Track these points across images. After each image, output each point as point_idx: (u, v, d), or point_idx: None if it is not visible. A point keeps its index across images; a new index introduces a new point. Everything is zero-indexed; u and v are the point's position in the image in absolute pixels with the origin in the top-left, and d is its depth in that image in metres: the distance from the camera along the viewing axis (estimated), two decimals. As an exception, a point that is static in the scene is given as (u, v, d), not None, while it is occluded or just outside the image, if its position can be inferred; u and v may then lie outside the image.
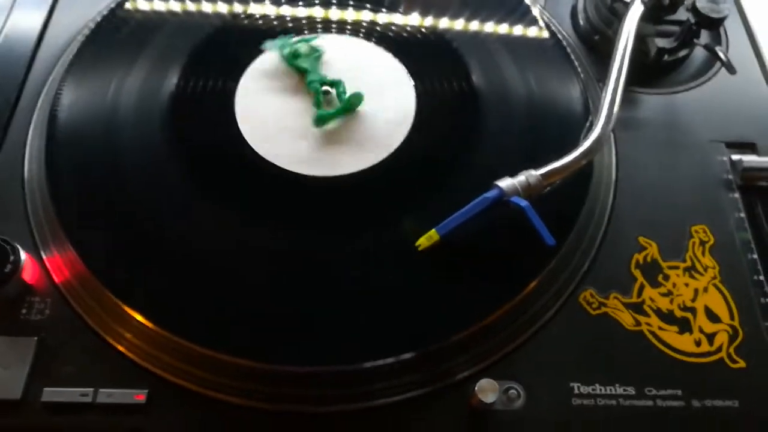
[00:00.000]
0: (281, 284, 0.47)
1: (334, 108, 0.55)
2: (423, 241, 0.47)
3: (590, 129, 0.51)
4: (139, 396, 0.44)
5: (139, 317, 0.45)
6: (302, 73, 0.57)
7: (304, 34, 0.60)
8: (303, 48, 0.58)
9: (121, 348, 0.46)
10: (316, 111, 0.55)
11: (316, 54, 0.58)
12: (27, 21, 0.63)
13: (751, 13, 0.66)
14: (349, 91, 0.56)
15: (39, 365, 0.45)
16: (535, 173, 0.47)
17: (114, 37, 0.59)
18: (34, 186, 0.52)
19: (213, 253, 0.48)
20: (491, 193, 0.47)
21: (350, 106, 0.55)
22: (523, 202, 0.46)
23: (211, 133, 0.54)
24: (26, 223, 0.51)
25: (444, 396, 0.45)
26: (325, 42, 0.60)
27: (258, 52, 0.59)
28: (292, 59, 0.57)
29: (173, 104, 0.55)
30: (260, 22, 0.62)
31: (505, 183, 0.47)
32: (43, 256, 0.49)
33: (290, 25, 0.62)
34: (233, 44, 0.60)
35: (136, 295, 0.46)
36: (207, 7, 0.62)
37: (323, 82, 0.56)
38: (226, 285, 0.47)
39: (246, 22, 0.62)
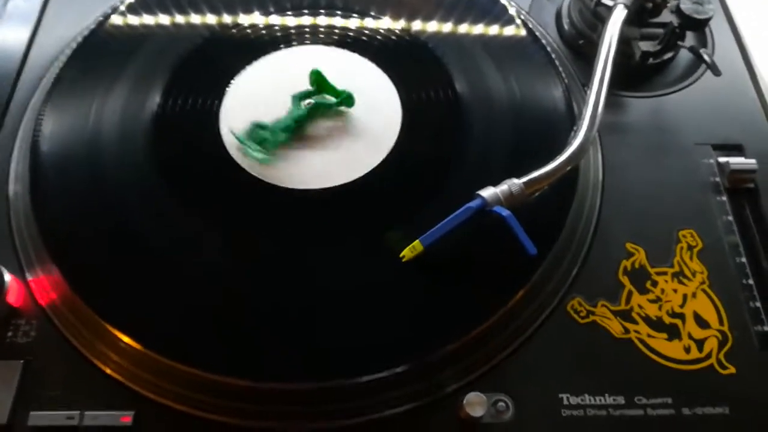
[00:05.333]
0: (269, 301, 0.47)
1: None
2: (407, 253, 0.47)
3: (575, 134, 0.51)
4: (126, 418, 0.44)
5: (124, 338, 0.45)
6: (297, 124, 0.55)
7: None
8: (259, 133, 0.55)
9: (107, 369, 0.46)
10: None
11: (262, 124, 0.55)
12: (11, 40, 0.63)
13: (737, 13, 0.65)
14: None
15: (25, 389, 0.45)
16: (517, 182, 0.47)
17: (97, 56, 0.59)
18: (18, 206, 0.52)
19: (199, 271, 0.48)
20: (474, 203, 0.46)
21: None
22: (505, 212, 0.45)
23: (196, 150, 0.54)
24: (11, 244, 0.51)
25: (434, 410, 0.45)
26: (308, 53, 0.60)
27: (241, 66, 0.59)
28: (271, 139, 0.54)
29: (156, 122, 0.55)
30: (244, 34, 0.62)
31: (487, 192, 0.47)
32: (28, 278, 0.49)
33: (271, 34, 0.61)
34: (216, 60, 0.59)
35: (121, 316, 0.46)
36: (188, 24, 0.62)
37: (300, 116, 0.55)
38: (213, 303, 0.47)
39: (229, 35, 0.61)
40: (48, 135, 0.53)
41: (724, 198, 0.54)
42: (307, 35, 0.62)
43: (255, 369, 0.44)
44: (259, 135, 0.54)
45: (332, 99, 0.56)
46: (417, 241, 0.47)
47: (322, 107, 0.56)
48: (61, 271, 0.47)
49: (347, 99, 0.56)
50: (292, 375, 0.44)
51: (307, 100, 0.56)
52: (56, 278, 0.48)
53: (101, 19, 0.62)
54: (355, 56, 0.60)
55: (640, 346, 0.48)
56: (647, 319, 0.49)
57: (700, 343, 0.48)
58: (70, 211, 0.50)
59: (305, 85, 0.57)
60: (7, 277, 0.47)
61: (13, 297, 0.47)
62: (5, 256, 0.50)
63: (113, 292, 0.47)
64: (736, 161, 0.55)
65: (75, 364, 0.46)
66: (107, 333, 0.45)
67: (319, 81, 0.56)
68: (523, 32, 0.61)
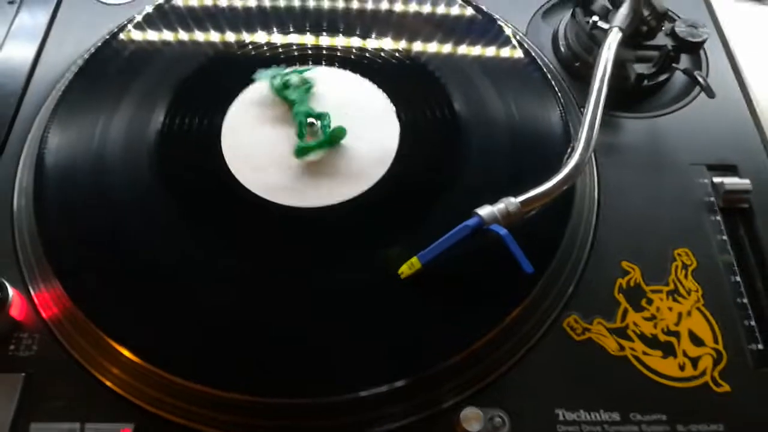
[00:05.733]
0: (269, 317, 0.48)
1: (316, 140, 0.56)
2: (405, 269, 0.48)
3: (571, 154, 0.52)
4: (125, 430, 0.44)
5: (125, 352, 0.45)
6: (290, 104, 0.58)
7: (297, 65, 0.61)
8: (294, 79, 0.59)
9: (107, 382, 0.46)
10: (298, 142, 0.55)
11: (306, 86, 0.59)
12: (17, 57, 0.64)
13: (731, 36, 0.67)
14: (334, 125, 0.56)
15: (26, 401, 0.45)
16: (514, 201, 0.48)
17: (102, 74, 0.60)
18: (22, 221, 0.53)
19: (199, 287, 0.49)
20: (471, 221, 0.47)
21: (332, 139, 0.56)
22: (502, 230, 0.46)
23: (198, 168, 0.55)
24: (14, 258, 0.51)
25: (431, 424, 0.45)
26: (312, 73, 0.61)
27: (244, 84, 0.60)
28: (281, 90, 0.58)
29: (159, 140, 0.56)
30: (248, 53, 0.63)
31: (484, 211, 0.47)
32: (32, 292, 0.50)
33: (267, 54, 0.63)
34: (219, 78, 0.61)
35: (122, 331, 0.46)
36: (192, 43, 0.63)
37: (309, 114, 0.57)
38: (213, 319, 0.47)
39: (231, 55, 0.63)
40: (53, 151, 0.54)
41: (719, 217, 0.55)
42: (308, 56, 0.63)
43: (254, 384, 0.45)
44: (290, 81, 0.58)
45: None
46: (415, 258, 0.47)
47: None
48: (63, 286, 0.48)
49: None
50: (291, 390, 0.45)
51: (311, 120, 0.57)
52: (59, 293, 0.48)
53: (107, 37, 0.64)
54: (355, 77, 0.61)
55: (636, 363, 0.48)
56: (642, 337, 0.49)
57: (694, 361, 0.48)
58: (74, 226, 0.51)
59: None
60: (11, 291, 0.48)
61: (16, 311, 0.48)
62: (9, 270, 0.50)
63: (115, 307, 0.48)
64: (731, 181, 0.56)
65: (76, 378, 0.46)
66: (108, 347, 0.46)
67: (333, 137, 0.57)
68: (520, 54, 0.62)
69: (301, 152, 0.55)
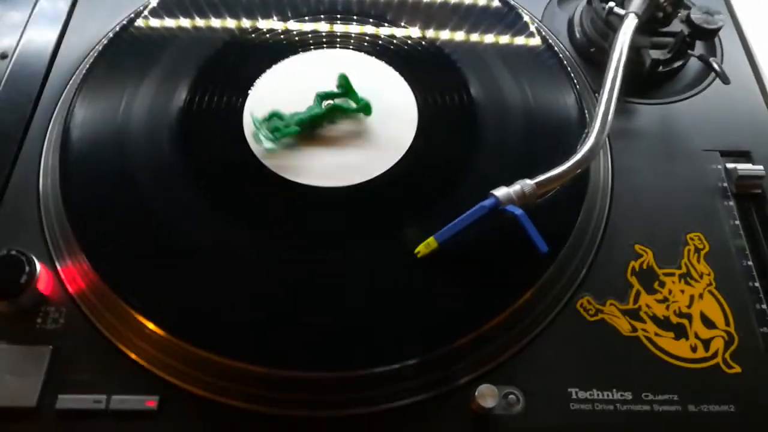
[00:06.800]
0: (289, 293, 0.49)
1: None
2: (422, 249, 0.49)
3: (586, 138, 0.53)
4: (151, 402, 0.45)
5: (150, 325, 0.47)
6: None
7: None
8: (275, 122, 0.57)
9: (133, 355, 0.47)
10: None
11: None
12: (41, 38, 0.65)
13: (745, 23, 0.67)
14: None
15: (54, 373, 0.46)
16: (530, 182, 0.49)
17: (125, 54, 0.61)
18: (48, 198, 0.54)
19: (223, 262, 0.50)
20: (487, 202, 0.48)
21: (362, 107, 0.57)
22: (518, 211, 0.47)
23: (220, 145, 0.56)
24: (41, 234, 0.52)
25: (446, 401, 0.46)
26: (326, 57, 0.62)
27: (265, 66, 0.61)
28: (283, 129, 0.57)
29: (183, 118, 0.57)
30: (267, 37, 0.64)
31: (500, 192, 0.48)
32: (58, 267, 0.51)
33: (293, 38, 0.64)
34: (241, 59, 0.62)
35: (148, 304, 0.47)
36: (215, 24, 0.64)
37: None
38: (236, 293, 0.49)
39: (253, 37, 0.64)
40: (78, 129, 0.56)
41: (732, 203, 0.56)
42: (329, 40, 0.64)
43: (275, 357, 0.46)
44: (273, 123, 0.56)
45: (352, 104, 0.58)
46: (432, 237, 0.48)
47: (340, 110, 0.58)
48: (89, 261, 0.49)
49: (365, 107, 0.58)
50: (311, 364, 0.46)
51: (328, 101, 0.58)
52: (85, 267, 0.49)
53: (125, 22, 0.64)
54: (375, 60, 0.62)
55: (648, 344, 0.49)
56: (655, 318, 0.50)
57: (706, 343, 0.49)
58: (99, 203, 0.52)
59: (327, 87, 0.58)
60: (38, 266, 0.49)
61: (43, 285, 0.49)
62: (36, 246, 0.51)
63: (140, 280, 0.49)
64: (744, 167, 0.56)
65: (102, 350, 0.47)
66: (134, 320, 0.47)
67: (344, 85, 0.58)
68: (536, 40, 0.63)
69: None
